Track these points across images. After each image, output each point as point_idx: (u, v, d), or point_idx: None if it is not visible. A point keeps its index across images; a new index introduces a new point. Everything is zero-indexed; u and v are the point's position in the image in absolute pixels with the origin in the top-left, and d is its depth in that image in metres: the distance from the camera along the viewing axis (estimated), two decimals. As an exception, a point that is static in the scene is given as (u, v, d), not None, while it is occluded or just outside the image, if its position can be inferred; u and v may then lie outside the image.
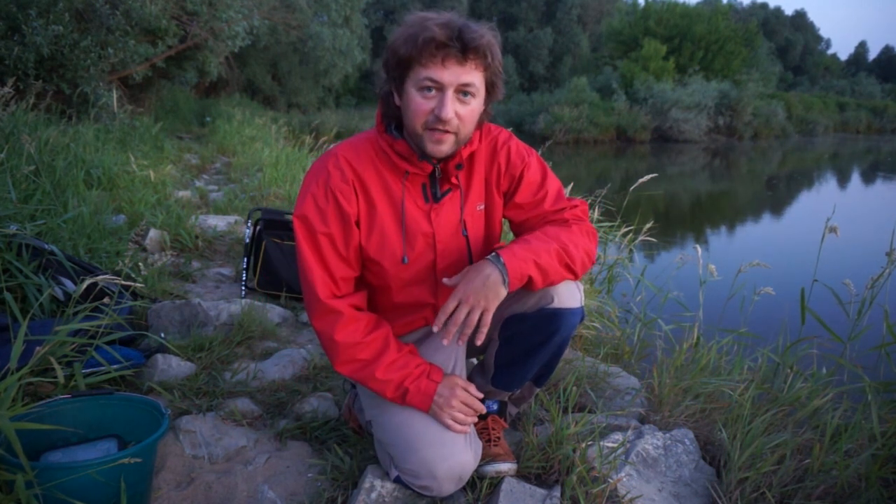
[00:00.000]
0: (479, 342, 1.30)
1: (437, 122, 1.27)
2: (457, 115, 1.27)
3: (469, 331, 1.29)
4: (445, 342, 1.30)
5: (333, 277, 1.38)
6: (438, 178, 1.41)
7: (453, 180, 1.42)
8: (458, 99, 1.27)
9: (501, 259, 1.29)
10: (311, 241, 1.36)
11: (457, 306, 1.29)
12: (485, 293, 1.28)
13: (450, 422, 1.38)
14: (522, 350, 1.46)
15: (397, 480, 1.43)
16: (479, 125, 1.38)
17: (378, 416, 1.47)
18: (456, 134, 1.30)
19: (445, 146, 1.31)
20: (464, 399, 1.40)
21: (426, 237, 1.42)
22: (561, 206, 1.48)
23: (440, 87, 1.25)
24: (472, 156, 1.45)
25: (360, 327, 1.38)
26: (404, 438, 1.40)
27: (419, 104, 1.27)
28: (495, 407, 1.59)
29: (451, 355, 1.52)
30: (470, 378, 1.59)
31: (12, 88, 4.25)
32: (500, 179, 1.48)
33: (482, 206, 1.49)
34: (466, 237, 1.46)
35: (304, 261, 1.36)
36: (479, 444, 1.47)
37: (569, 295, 1.40)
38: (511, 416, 1.70)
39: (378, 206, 1.38)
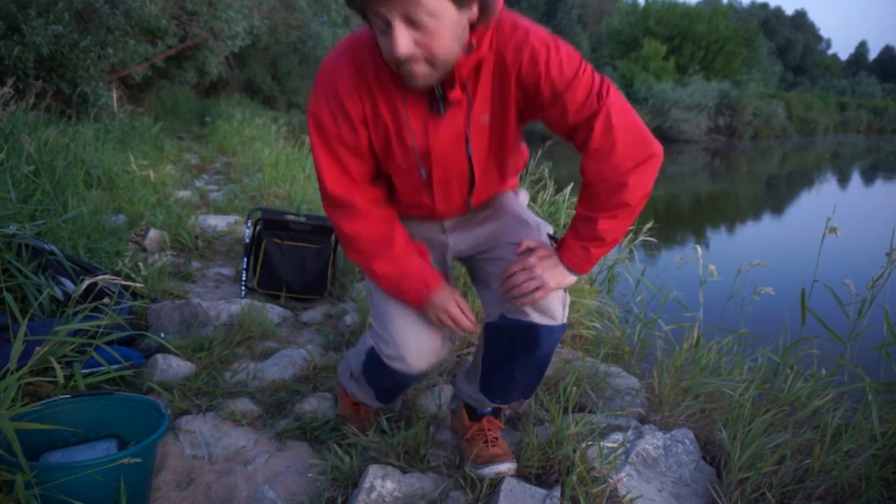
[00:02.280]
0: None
1: (398, 62, 1.15)
2: (417, 43, 1.12)
3: (521, 293, 1.33)
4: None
5: (348, 172, 1.36)
6: (440, 94, 1.28)
7: (458, 95, 1.27)
8: (411, 27, 1.11)
9: (573, 269, 1.34)
10: (321, 137, 1.34)
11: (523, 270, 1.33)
12: (553, 276, 1.32)
13: (434, 320, 1.42)
14: (504, 358, 1.47)
15: (369, 353, 1.49)
16: (483, 27, 1.21)
17: (375, 287, 1.50)
18: (430, 62, 1.15)
19: (421, 81, 1.18)
20: (454, 316, 1.40)
21: (423, 148, 1.34)
22: (587, 120, 1.26)
23: (388, 22, 1.13)
24: (480, 63, 1.26)
25: (366, 220, 1.39)
26: (392, 306, 1.45)
27: (383, 45, 1.15)
28: (489, 409, 1.60)
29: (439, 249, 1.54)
30: (457, 385, 1.64)
31: (12, 88, 4.25)
32: (514, 87, 1.28)
33: (487, 118, 1.33)
34: (468, 151, 1.34)
35: (315, 155, 1.36)
36: (455, 338, 1.52)
37: (551, 311, 1.38)
38: (506, 416, 1.71)
39: (381, 107, 1.32)
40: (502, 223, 1.49)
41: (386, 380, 1.54)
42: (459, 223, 1.53)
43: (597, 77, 1.25)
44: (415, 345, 1.43)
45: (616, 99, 1.24)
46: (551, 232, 1.46)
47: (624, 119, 1.24)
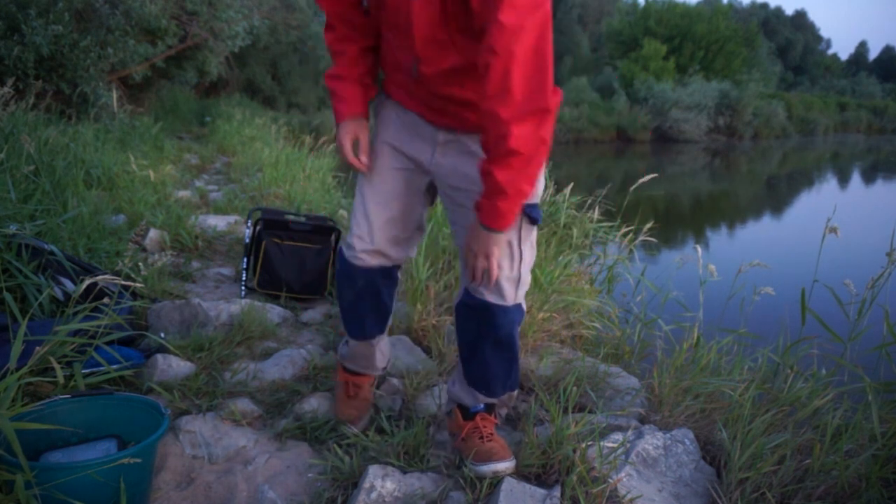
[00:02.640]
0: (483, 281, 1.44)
1: None
2: None
3: (474, 275, 1.42)
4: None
5: None
6: None
7: None
8: None
9: (490, 227, 1.36)
10: None
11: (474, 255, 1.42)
12: (481, 244, 1.38)
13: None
14: (473, 340, 1.54)
15: (338, 254, 1.67)
16: None
17: (358, 181, 1.64)
18: None
19: None
20: (343, 147, 1.54)
21: None
22: (488, 53, 1.18)
23: None
24: None
25: (331, 31, 1.54)
26: (362, 198, 1.60)
27: None
28: (482, 405, 1.61)
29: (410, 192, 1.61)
30: (450, 389, 1.70)
31: (12, 88, 4.25)
32: None
33: None
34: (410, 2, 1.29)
35: None
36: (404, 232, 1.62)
37: (501, 291, 1.45)
38: (502, 416, 1.71)
39: None
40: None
41: (350, 283, 1.67)
42: (453, 141, 1.50)
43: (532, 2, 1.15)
44: (366, 232, 1.57)
45: (528, 42, 1.16)
46: (531, 201, 1.43)
47: (528, 67, 1.17)
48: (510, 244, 1.44)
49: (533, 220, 1.44)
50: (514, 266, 1.45)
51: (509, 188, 1.28)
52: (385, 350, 1.89)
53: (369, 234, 1.58)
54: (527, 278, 1.49)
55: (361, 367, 1.85)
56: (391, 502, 1.43)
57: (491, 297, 1.45)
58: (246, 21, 10.65)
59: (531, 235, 1.48)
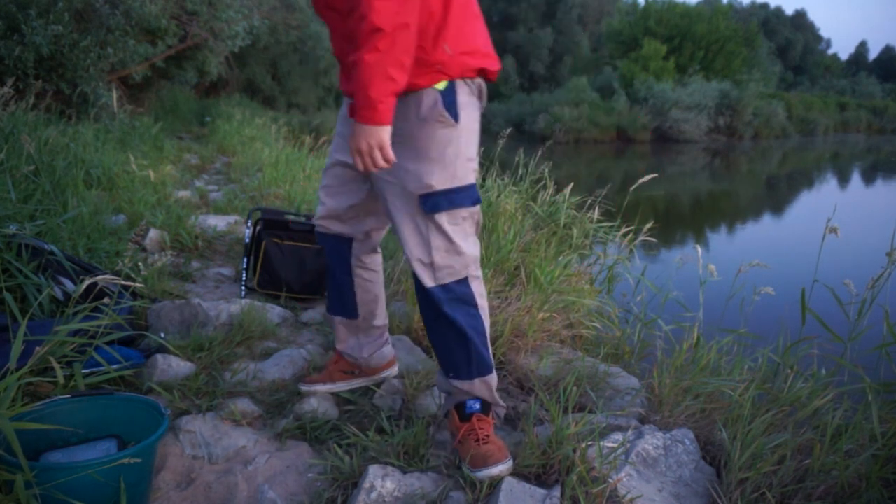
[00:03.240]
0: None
1: None
2: None
3: (378, 168, 1.44)
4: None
5: None
6: None
7: None
8: None
9: (365, 122, 1.38)
10: None
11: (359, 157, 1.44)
12: (355, 140, 1.41)
13: None
14: (427, 321, 1.63)
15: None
16: None
17: None
18: None
19: None
20: None
21: None
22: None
23: None
24: None
25: None
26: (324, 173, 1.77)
27: None
28: (477, 406, 1.61)
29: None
30: (437, 379, 1.74)
31: (12, 88, 4.25)
32: None
33: None
34: None
35: None
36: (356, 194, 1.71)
37: (417, 270, 1.54)
38: (500, 417, 1.70)
39: None
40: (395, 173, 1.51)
41: (327, 257, 1.83)
42: None
43: None
44: (325, 205, 1.74)
45: None
46: (430, 191, 1.48)
47: None
48: (418, 229, 1.52)
49: (430, 209, 1.49)
50: (426, 252, 1.52)
51: (377, 72, 1.30)
52: (351, 341, 1.94)
53: (329, 204, 1.75)
54: (446, 263, 1.52)
55: (335, 336, 1.96)
56: (391, 502, 1.43)
57: (414, 268, 1.55)
58: (246, 21, 10.65)
59: (440, 222, 1.51)
